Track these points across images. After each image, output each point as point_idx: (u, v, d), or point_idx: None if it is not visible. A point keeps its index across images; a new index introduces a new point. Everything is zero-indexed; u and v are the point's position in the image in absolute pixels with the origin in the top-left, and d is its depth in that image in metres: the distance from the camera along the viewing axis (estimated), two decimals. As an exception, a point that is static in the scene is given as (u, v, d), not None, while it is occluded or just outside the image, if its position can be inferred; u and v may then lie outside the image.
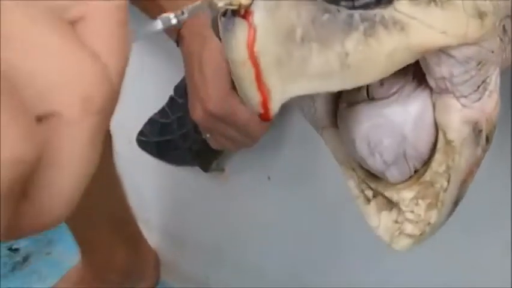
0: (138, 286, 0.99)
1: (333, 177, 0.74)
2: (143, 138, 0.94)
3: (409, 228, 0.36)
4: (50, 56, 0.20)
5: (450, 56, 0.33)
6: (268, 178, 0.84)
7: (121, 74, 0.22)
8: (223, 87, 0.69)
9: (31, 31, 0.19)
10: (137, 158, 0.95)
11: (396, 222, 0.37)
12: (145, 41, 0.91)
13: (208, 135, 0.76)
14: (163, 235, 1.06)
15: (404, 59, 0.31)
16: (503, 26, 0.35)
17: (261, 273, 0.88)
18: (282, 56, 0.30)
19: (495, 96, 0.35)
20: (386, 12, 0.31)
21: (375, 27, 0.30)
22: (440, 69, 0.33)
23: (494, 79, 0.35)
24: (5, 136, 0.18)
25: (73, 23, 0.21)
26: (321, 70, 0.31)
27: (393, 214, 0.37)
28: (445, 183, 0.35)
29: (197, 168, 0.90)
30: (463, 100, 0.34)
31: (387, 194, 0.37)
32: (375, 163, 0.36)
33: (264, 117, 0.32)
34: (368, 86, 0.37)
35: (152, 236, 1.03)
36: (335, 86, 0.31)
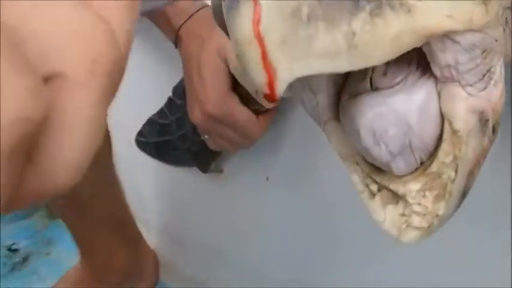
0: (137, 287, 0.99)
1: (332, 178, 0.75)
2: (142, 139, 0.94)
3: (417, 220, 0.35)
4: (58, 16, 0.19)
5: (455, 41, 0.32)
6: (267, 179, 0.83)
7: (129, 43, 0.22)
8: (221, 89, 0.69)
9: None
10: (136, 159, 0.95)
11: (403, 215, 0.36)
12: (144, 41, 0.91)
13: (206, 137, 0.76)
14: (162, 236, 1.06)
15: (410, 42, 0.31)
16: (506, 18, 0.34)
17: (261, 273, 0.88)
18: (288, 34, 0.30)
19: (500, 86, 0.34)
20: None
21: (382, 7, 0.30)
22: (445, 56, 0.33)
23: (498, 69, 0.34)
24: (10, 91, 0.18)
25: None
26: (328, 49, 0.30)
27: (400, 207, 0.36)
28: (453, 174, 0.34)
29: (196, 169, 0.90)
30: (468, 89, 0.33)
31: (392, 186, 0.37)
32: (380, 154, 0.36)
33: (270, 98, 0.31)
34: (371, 77, 0.36)
35: (151, 237, 1.03)
36: (342, 66, 0.31)
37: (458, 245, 0.61)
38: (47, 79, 0.19)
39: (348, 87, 0.38)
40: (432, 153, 0.36)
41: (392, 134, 0.35)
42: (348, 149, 0.39)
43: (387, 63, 0.36)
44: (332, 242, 0.78)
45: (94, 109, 0.20)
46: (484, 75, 0.34)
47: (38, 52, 0.19)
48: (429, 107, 0.35)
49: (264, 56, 0.30)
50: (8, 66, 0.18)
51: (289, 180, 0.81)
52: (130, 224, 0.96)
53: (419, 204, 0.35)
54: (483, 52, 0.33)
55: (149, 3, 0.68)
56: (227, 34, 0.33)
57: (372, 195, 0.38)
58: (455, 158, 0.34)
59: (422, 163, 0.36)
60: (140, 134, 0.94)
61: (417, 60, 0.35)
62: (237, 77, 0.42)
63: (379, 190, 0.38)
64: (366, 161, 0.38)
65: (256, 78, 0.31)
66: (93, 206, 0.85)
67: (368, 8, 0.30)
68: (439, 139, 0.35)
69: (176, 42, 0.75)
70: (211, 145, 0.78)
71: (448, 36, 0.32)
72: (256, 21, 0.30)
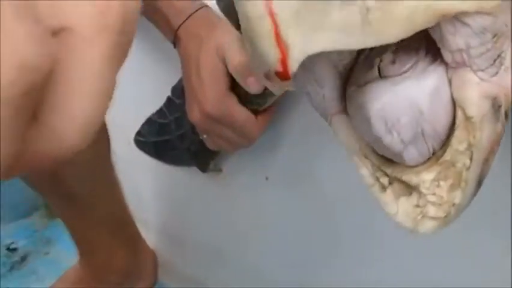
0: (136, 286, 0.99)
1: (332, 177, 0.75)
2: (141, 139, 0.94)
3: (432, 210, 0.35)
4: None
5: (466, 24, 0.32)
6: (266, 178, 0.83)
7: (136, 3, 0.21)
8: (219, 89, 0.69)
9: None
10: (135, 159, 0.95)
11: (417, 206, 0.35)
12: (143, 41, 0.90)
13: (205, 136, 0.76)
14: (161, 235, 1.06)
15: (423, 22, 0.31)
16: None
17: (260, 273, 0.88)
18: (301, 8, 0.29)
19: (510, 72, 0.34)
20: None
21: None
22: (456, 40, 0.33)
23: (509, 54, 0.34)
24: (13, 36, 0.17)
25: None
26: (342, 25, 0.30)
27: (413, 198, 0.36)
28: (468, 162, 0.34)
29: (195, 169, 0.90)
30: (480, 74, 0.33)
31: (405, 178, 0.36)
32: (392, 142, 0.35)
33: (283, 75, 0.31)
34: (379, 66, 0.36)
35: (150, 236, 1.03)
36: (356, 43, 0.30)
37: (458, 245, 0.61)
38: (55, 33, 0.19)
39: (354, 78, 0.37)
40: (444, 143, 0.35)
41: (404, 121, 0.34)
42: (356, 142, 0.38)
43: (396, 51, 0.36)
44: (332, 241, 0.77)
45: (103, 65, 0.20)
46: (495, 60, 0.33)
47: (48, 4, 0.19)
48: (440, 94, 0.34)
49: (277, 32, 0.30)
50: (14, 11, 0.17)
51: (289, 180, 0.81)
52: (130, 224, 0.96)
53: (434, 194, 0.35)
54: (494, 36, 0.33)
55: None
56: (230, 20, 0.33)
57: (383, 188, 0.38)
58: (469, 145, 0.34)
59: (433, 153, 0.36)
60: (139, 133, 0.94)
61: (425, 48, 0.35)
62: (247, 58, 0.42)
63: (390, 183, 0.37)
64: (376, 154, 0.38)
65: (268, 56, 0.30)
66: (92, 206, 0.85)
67: None
68: (451, 128, 0.35)
69: (175, 42, 0.75)
70: (210, 145, 0.78)
71: (458, 19, 0.32)
72: None
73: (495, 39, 0.33)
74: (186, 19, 0.74)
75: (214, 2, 0.76)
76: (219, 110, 0.69)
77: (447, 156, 0.34)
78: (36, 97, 0.19)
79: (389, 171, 0.37)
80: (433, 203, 0.35)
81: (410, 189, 0.36)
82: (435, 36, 0.33)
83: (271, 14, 0.29)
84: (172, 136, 0.88)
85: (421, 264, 0.65)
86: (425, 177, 0.35)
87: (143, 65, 0.93)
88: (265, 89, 0.67)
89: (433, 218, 0.35)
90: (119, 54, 0.21)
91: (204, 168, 0.90)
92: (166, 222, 1.06)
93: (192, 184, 0.96)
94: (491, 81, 0.33)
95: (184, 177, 0.96)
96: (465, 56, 0.33)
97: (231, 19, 0.34)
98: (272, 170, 0.83)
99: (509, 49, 0.34)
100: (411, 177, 0.36)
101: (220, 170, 0.91)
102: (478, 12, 0.32)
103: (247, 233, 0.90)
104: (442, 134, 0.35)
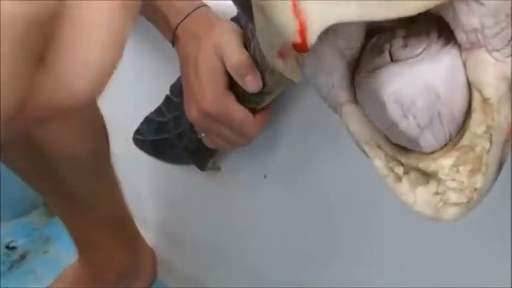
0: (134, 285, 0.99)
1: (330, 176, 0.75)
2: (140, 137, 0.94)
3: (454, 196, 0.34)
4: None
5: (480, 3, 0.32)
6: (265, 177, 0.83)
7: None
8: (218, 88, 0.69)
9: None
10: (134, 157, 0.95)
11: (437, 193, 0.34)
12: (142, 41, 0.90)
13: (203, 135, 0.76)
14: (160, 234, 1.06)
15: None
16: None
17: (259, 272, 0.88)
18: None
19: None
20: None
21: None
22: (471, 20, 0.32)
23: None
24: None
25: None
26: None
27: (432, 186, 0.35)
28: (487, 145, 0.33)
29: (193, 167, 0.90)
30: (495, 54, 0.32)
31: (421, 165, 0.35)
32: (408, 127, 0.34)
33: (301, 47, 0.30)
34: (389, 50, 0.35)
35: (148, 235, 1.03)
36: (377, 13, 0.30)
37: (458, 245, 0.61)
38: None
39: (363, 65, 0.37)
40: (461, 128, 0.34)
41: (421, 105, 0.34)
42: (368, 132, 0.37)
43: (406, 36, 0.35)
44: (330, 240, 0.77)
45: (114, 10, 0.19)
46: (509, 41, 0.33)
47: None
48: (455, 76, 0.34)
49: (295, 3, 0.29)
50: None
51: (287, 179, 0.81)
52: (129, 223, 0.96)
53: (454, 180, 0.34)
54: (508, 16, 0.32)
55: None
56: (234, 2, 0.32)
57: (398, 178, 0.37)
58: (488, 127, 0.33)
59: (450, 139, 0.35)
60: (137, 132, 0.93)
61: (437, 32, 0.35)
62: (257, 34, 0.40)
63: (406, 172, 0.36)
64: (389, 142, 0.37)
65: (286, 27, 0.30)
66: (92, 206, 0.85)
67: None
68: (467, 112, 0.34)
69: (174, 41, 0.75)
70: (208, 143, 0.78)
71: None
72: None
73: (509, 19, 0.32)
74: (184, 18, 0.74)
75: (214, 1, 0.76)
76: (217, 108, 0.69)
77: (465, 140, 0.34)
78: (43, 38, 0.17)
79: (404, 159, 0.36)
80: (454, 189, 0.34)
81: (426, 177, 0.35)
82: (448, 17, 0.33)
83: None
84: (171, 135, 0.88)
85: (421, 264, 0.65)
86: (444, 163, 0.34)
87: (142, 64, 0.93)
88: (263, 87, 0.67)
89: (455, 204, 0.34)
90: (129, 4, 0.20)
91: (202, 166, 0.90)
92: (165, 220, 1.06)
93: (190, 182, 0.96)
94: (507, 62, 0.33)
95: (182, 176, 0.96)
96: (480, 36, 0.32)
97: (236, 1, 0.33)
98: (270, 168, 0.83)
99: None
100: (428, 164, 0.35)
101: (218, 169, 0.91)
102: None
103: (245, 231, 0.90)
104: (459, 118, 0.34)
